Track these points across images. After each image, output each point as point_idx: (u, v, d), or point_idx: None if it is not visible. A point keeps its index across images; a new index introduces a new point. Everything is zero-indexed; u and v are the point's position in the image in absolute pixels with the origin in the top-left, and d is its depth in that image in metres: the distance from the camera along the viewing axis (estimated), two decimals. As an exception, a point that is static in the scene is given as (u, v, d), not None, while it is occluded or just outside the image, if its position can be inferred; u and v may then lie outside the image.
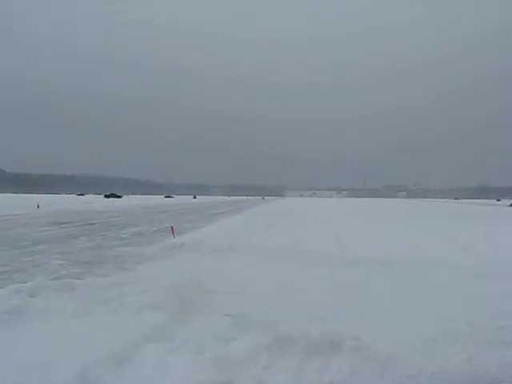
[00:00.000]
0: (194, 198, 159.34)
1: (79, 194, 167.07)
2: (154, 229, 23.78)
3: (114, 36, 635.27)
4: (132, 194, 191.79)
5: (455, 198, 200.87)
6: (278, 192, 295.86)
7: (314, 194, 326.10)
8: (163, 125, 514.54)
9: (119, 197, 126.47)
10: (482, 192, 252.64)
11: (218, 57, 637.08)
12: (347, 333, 5.27)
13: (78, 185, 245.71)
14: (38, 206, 47.60)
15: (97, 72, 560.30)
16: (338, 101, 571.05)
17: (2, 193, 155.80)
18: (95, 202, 79.61)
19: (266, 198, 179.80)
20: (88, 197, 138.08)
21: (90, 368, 4.46)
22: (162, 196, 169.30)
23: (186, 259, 12.62)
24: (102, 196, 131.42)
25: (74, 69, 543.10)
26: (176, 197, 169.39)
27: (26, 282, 8.15)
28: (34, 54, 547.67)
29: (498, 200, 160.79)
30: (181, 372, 4.54)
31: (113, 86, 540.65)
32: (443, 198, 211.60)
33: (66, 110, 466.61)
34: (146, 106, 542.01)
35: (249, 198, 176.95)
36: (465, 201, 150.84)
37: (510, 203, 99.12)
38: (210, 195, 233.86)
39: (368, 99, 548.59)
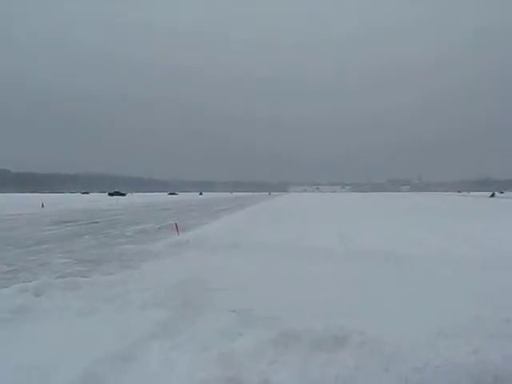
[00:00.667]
0: (200, 194, 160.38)
1: (83, 193, 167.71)
2: (158, 226, 23.82)
3: (114, 36, 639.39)
4: (136, 191, 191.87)
5: (458, 191, 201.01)
6: (282, 188, 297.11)
7: (318, 188, 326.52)
8: (166, 123, 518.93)
9: (123, 195, 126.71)
10: (485, 184, 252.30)
11: (219, 57, 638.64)
12: (351, 328, 5.26)
13: (82, 183, 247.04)
14: (42, 205, 47.74)
15: (97, 72, 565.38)
16: (340, 99, 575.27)
17: (7, 192, 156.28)
18: (99, 200, 79.76)
19: (271, 193, 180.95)
20: (92, 195, 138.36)
21: (95, 366, 4.47)
22: (166, 193, 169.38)
23: (191, 256, 12.62)
24: (106, 194, 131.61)
25: (75, 69, 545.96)
26: (180, 194, 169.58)
27: (30, 281, 8.19)
28: (35, 54, 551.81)
29: (501, 192, 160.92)
30: (186, 369, 4.55)
31: (114, 85, 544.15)
32: (446, 191, 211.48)
33: (68, 109, 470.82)
34: (148, 105, 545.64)
35: (254, 194, 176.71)
36: (473, 194, 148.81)
37: (490, 194, 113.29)
38: (214, 192, 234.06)
39: (370, 96, 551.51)
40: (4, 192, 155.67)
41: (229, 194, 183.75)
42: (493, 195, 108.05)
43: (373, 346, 4.91)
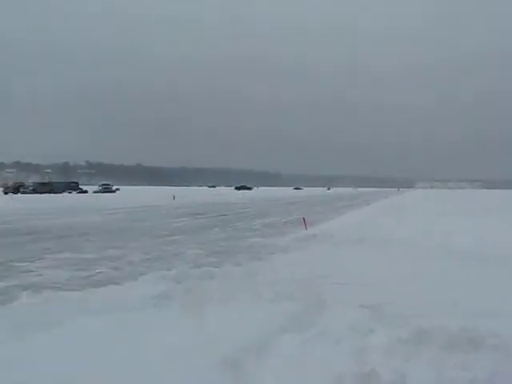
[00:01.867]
0: (328, 189, 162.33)
1: (210, 186, 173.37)
2: (284, 220, 24.10)
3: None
4: (261, 186, 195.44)
5: None
6: (408, 184, 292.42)
7: (445, 185, 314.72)
8: (295, 121, 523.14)
9: (249, 189, 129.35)
10: None
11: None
12: (487, 330, 5.11)
13: (207, 177, 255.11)
14: (173, 198, 49.97)
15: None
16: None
17: (138, 185, 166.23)
18: (226, 193, 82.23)
19: (400, 189, 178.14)
20: (219, 189, 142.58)
21: (231, 355, 4.64)
22: (291, 188, 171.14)
23: (318, 250, 12.67)
24: (233, 188, 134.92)
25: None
26: (305, 189, 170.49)
27: (169, 270, 8.71)
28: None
29: None
30: (319, 363, 4.61)
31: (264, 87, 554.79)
32: None
33: (204, 109, 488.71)
34: (273, 105, 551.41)
35: (379, 189, 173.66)
36: None
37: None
38: (339, 186, 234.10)
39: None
40: (135, 185, 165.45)
41: (354, 189, 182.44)
42: None
43: (509, 350, 4.74)
